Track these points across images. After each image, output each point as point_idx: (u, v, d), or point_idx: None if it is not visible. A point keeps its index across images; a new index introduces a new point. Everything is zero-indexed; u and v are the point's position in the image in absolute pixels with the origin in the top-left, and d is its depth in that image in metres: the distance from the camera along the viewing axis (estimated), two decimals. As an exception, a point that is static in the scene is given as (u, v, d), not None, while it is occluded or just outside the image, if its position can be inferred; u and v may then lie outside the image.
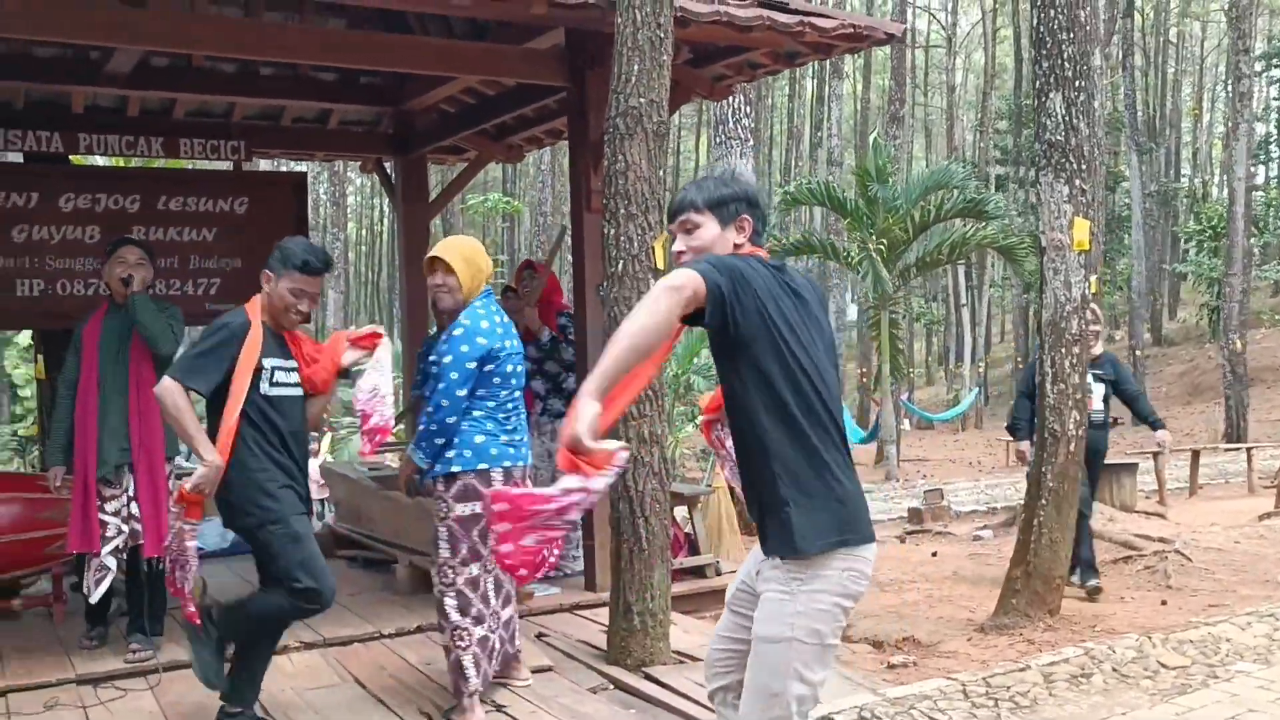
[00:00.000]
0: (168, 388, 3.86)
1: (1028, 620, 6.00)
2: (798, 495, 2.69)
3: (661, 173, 4.93)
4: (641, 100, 4.82)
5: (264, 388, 4.00)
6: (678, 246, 2.91)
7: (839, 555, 2.68)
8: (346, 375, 4.22)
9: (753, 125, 9.97)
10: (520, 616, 5.46)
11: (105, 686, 4.83)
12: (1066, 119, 6.10)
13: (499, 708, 4.48)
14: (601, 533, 6.12)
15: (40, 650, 5.24)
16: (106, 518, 5.07)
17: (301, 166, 13.16)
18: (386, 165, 8.75)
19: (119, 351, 5.16)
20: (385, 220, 39.13)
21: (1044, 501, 6.12)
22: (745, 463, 2.81)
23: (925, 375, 42.58)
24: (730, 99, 9.34)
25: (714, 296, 2.57)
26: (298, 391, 4.14)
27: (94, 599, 5.11)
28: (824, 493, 2.69)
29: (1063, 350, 6.12)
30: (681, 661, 4.94)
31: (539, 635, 5.44)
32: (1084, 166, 6.15)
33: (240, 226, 7.62)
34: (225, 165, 7.94)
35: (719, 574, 6.53)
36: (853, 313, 30.81)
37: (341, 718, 4.29)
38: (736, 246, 2.85)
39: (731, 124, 9.46)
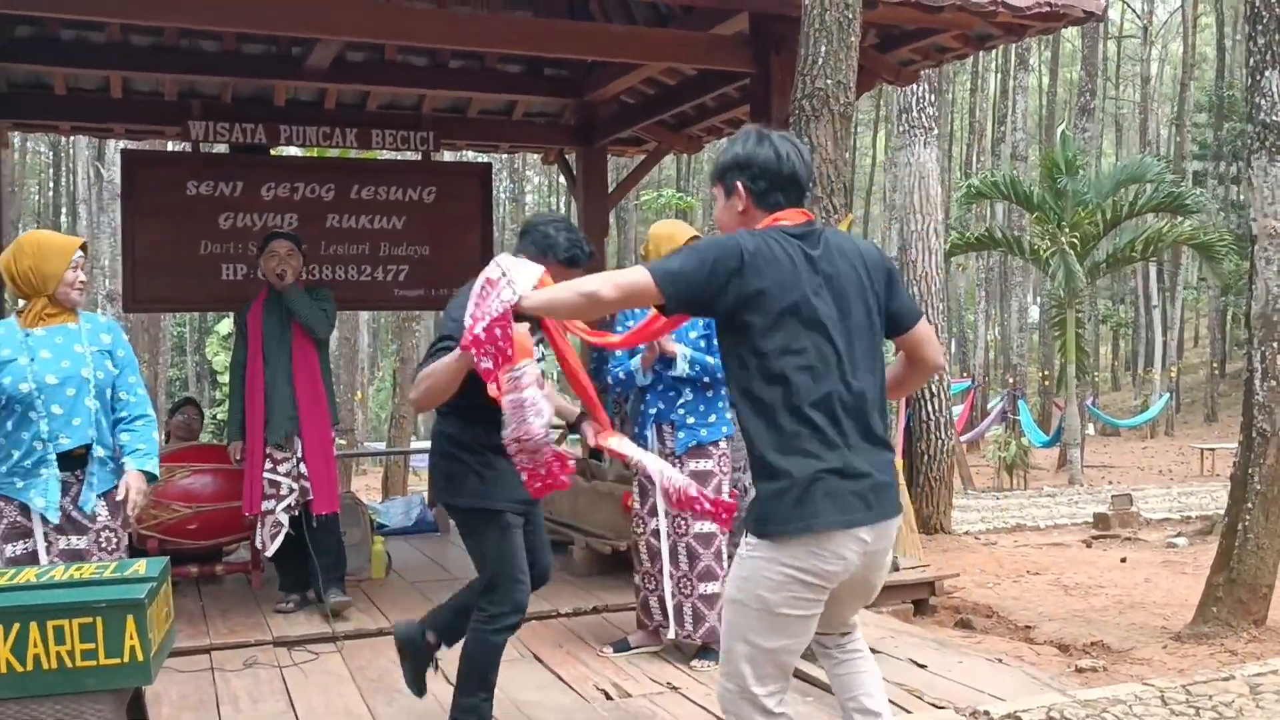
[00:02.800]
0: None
1: (1229, 630, 5.66)
2: (761, 472, 2.71)
3: (847, 155, 4.84)
4: (828, 82, 4.75)
5: None
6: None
7: (803, 536, 2.66)
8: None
9: (936, 114, 9.72)
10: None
11: (299, 649, 5.05)
12: (1285, 98, 5.73)
13: (674, 689, 4.48)
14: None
15: (240, 612, 5.54)
16: (279, 478, 5.48)
17: (482, 159, 13.51)
18: (568, 157, 8.89)
19: (281, 333, 5.54)
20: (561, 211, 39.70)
21: (1250, 505, 5.76)
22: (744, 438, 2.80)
23: (1111, 380, 40.80)
24: (914, 87, 9.14)
25: (670, 296, 2.67)
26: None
27: (269, 552, 5.51)
28: (792, 474, 2.64)
29: (1274, 345, 5.74)
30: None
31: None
32: (1302, 149, 5.76)
33: (428, 215, 7.85)
34: (414, 156, 8.17)
35: (896, 569, 6.38)
36: (1034, 314, 29.75)
37: (523, 692, 4.35)
38: (741, 213, 2.81)
39: (915, 113, 9.23)
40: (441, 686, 4.12)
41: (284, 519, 5.45)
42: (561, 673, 4.70)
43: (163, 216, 7.24)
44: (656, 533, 4.84)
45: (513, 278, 2.84)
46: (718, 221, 2.96)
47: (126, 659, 3.10)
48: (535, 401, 2.92)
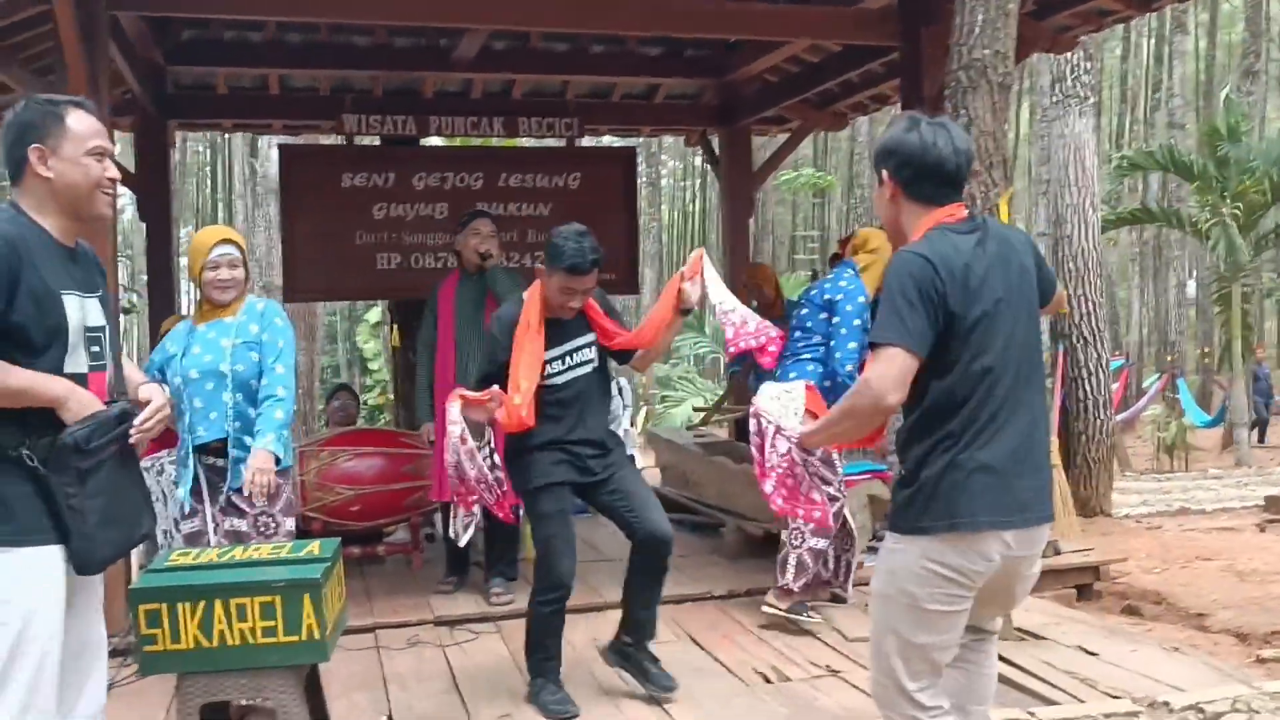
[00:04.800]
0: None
1: None
2: (911, 467, 2.71)
3: (1006, 127, 4.69)
4: (986, 52, 4.59)
5: (547, 379, 4.08)
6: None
7: (944, 535, 2.64)
8: (688, 313, 4.22)
9: (1092, 83, 9.33)
10: (857, 585, 5.41)
11: (460, 629, 5.16)
12: None
13: (834, 673, 4.42)
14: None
15: (402, 592, 5.68)
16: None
17: (623, 143, 13.56)
18: (710, 138, 8.84)
19: (474, 315, 5.49)
20: (696, 202, 39.65)
21: None
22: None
23: (1277, 358, 38.78)
24: (1068, 55, 8.79)
25: (921, 351, 2.61)
26: (589, 369, 4.19)
27: (462, 542, 5.40)
28: (940, 470, 2.64)
29: None
30: (1023, 639, 4.71)
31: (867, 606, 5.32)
32: None
33: (574, 201, 7.91)
34: (558, 143, 8.23)
35: (1057, 553, 6.17)
36: (1192, 289, 28.44)
37: (680, 675, 4.33)
38: (890, 200, 2.79)
39: (1069, 81, 8.86)
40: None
41: (478, 510, 5.44)
42: (719, 655, 4.68)
43: (319, 209, 7.47)
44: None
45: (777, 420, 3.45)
46: (875, 207, 2.95)
47: (304, 636, 3.20)
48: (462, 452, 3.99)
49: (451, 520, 5.48)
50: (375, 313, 26.86)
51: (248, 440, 3.92)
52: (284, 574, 3.22)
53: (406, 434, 6.26)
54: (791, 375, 5.02)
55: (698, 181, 38.09)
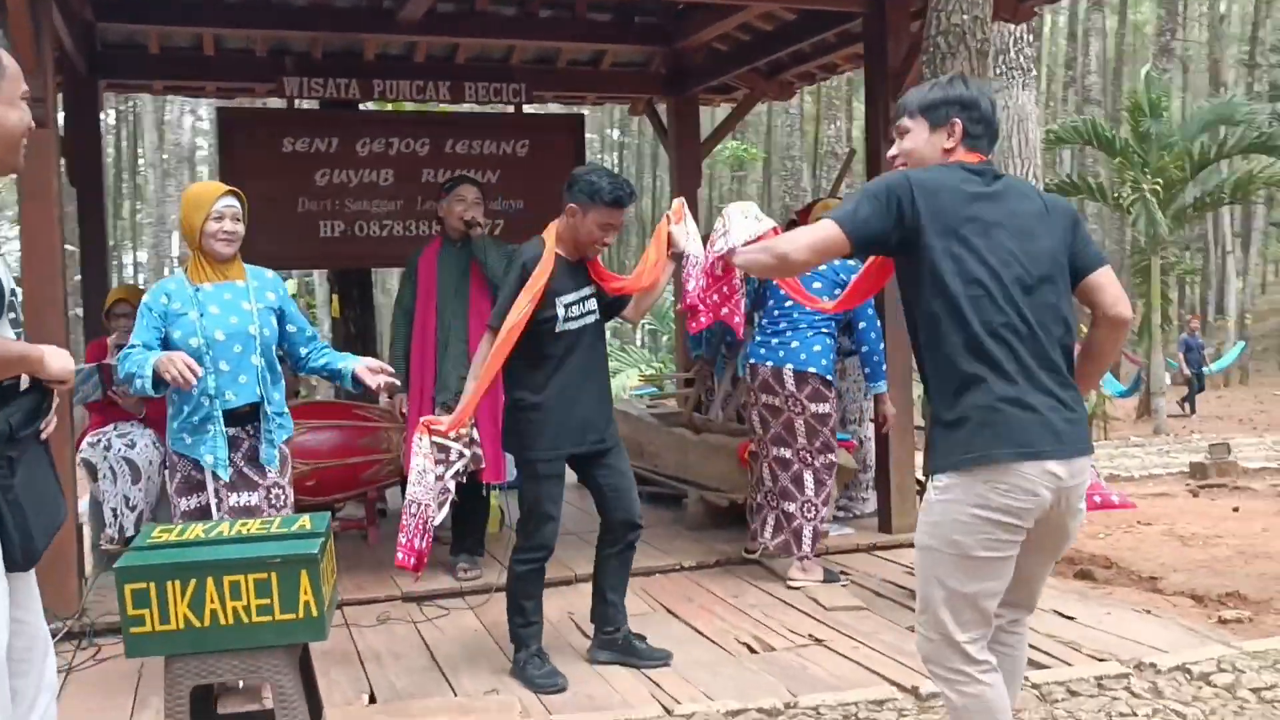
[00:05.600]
0: (485, 338, 4.05)
1: (1373, 579, 5.49)
2: (940, 410, 2.74)
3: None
4: (965, 17, 4.58)
5: (559, 325, 3.99)
6: (890, 152, 3.00)
7: (980, 469, 2.65)
8: (680, 258, 4.16)
9: (1034, 55, 9.43)
10: (817, 556, 5.41)
11: (429, 604, 5.03)
12: None
13: (817, 641, 4.41)
14: (898, 474, 5.96)
15: (362, 568, 5.52)
16: (448, 442, 5.24)
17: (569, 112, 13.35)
18: (658, 107, 8.74)
19: (457, 285, 5.33)
20: (624, 171, 39.39)
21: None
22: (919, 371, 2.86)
23: (1178, 329, 40.00)
24: (1010, 28, 8.87)
25: (859, 242, 2.75)
26: (593, 319, 4.13)
27: (437, 521, 5.28)
28: (967, 413, 2.67)
29: None
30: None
31: (841, 574, 5.33)
32: None
33: (522, 169, 7.76)
34: (505, 109, 8.06)
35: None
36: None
37: (663, 645, 4.29)
38: (946, 150, 2.85)
39: (1013, 54, 8.95)
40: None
41: (452, 486, 5.28)
42: (699, 626, 4.64)
43: (259, 175, 7.15)
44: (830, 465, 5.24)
45: (729, 228, 2.97)
46: (908, 154, 2.96)
47: (301, 614, 3.07)
48: (436, 478, 4.03)
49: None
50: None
51: (269, 408, 3.80)
52: (280, 549, 3.08)
53: (362, 406, 6.09)
54: (815, 349, 5.15)
55: (628, 152, 37.91)
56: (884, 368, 5.33)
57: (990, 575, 2.72)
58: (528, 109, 8.33)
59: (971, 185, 2.77)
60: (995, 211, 2.75)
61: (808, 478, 5.19)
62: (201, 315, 3.75)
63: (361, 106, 8.21)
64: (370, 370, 3.91)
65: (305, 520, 3.27)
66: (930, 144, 2.89)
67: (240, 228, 3.84)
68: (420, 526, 3.94)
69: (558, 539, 4.14)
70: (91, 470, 5.32)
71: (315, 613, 3.08)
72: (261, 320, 3.82)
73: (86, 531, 5.16)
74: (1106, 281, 2.87)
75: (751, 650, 4.34)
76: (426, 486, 3.94)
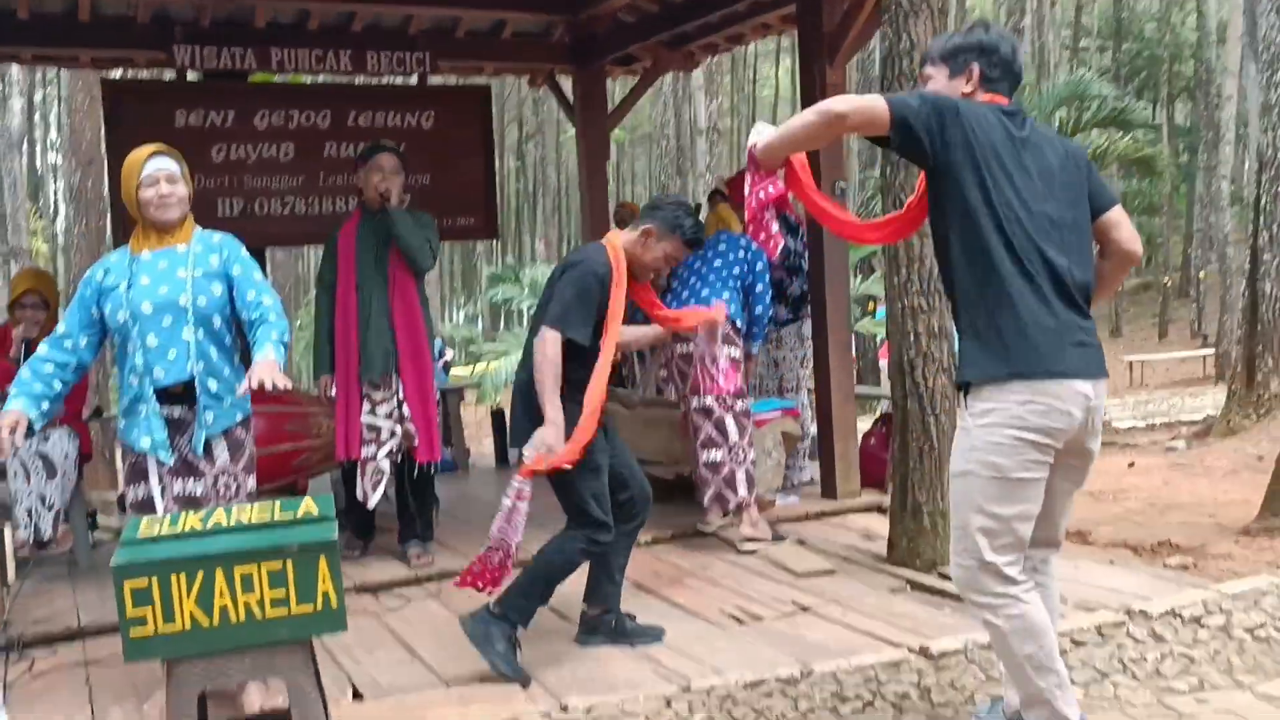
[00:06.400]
0: (550, 338, 3.72)
1: (1298, 521, 5.74)
2: (971, 326, 2.84)
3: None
4: (926, -26, 4.55)
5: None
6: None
7: (1013, 387, 2.78)
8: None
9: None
10: (770, 524, 5.38)
11: (385, 594, 4.78)
12: None
13: (804, 609, 4.35)
14: (841, 441, 5.96)
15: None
16: (379, 421, 5.01)
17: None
18: (560, 80, 8.54)
19: (377, 258, 5.06)
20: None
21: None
22: (945, 293, 2.99)
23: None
24: None
25: (900, 124, 2.78)
26: None
27: (371, 504, 5.05)
28: (1001, 325, 2.78)
29: None
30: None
31: (800, 542, 5.29)
32: None
33: (428, 142, 7.48)
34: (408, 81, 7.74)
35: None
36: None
37: (649, 620, 4.17)
38: (965, 95, 2.96)
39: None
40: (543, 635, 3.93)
41: (386, 466, 5.02)
42: (678, 600, 4.53)
43: (151, 150, 6.72)
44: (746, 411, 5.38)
45: (755, 132, 3.10)
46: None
47: (319, 606, 2.83)
48: (523, 515, 3.70)
49: (360, 480, 5.11)
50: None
51: (213, 385, 3.45)
52: (297, 536, 2.83)
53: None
54: (725, 296, 5.42)
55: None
56: (763, 333, 5.67)
57: (1026, 497, 2.83)
58: (432, 80, 8.04)
59: (1009, 125, 2.89)
60: (1028, 153, 2.89)
61: (729, 422, 5.26)
62: (130, 287, 3.42)
63: (251, 79, 7.77)
64: (250, 375, 3.28)
65: (310, 504, 3.01)
66: (950, 88, 3.00)
67: (179, 188, 3.52)
68: (503, 560, 3.77)
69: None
70: (-1, 469, 4.87)
71: (335, 604, 2.84)
72: (196, 289, 3.44)
73: (7, 534, 4.72)
74: (1121, 219, 3.09)
75: (739, 621, 4.25)
76: (516, 526, 3.71)
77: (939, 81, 3.03)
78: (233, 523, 2.91)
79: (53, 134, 33.40)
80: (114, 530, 5.79)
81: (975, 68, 2.98)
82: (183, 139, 6.74)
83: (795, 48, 7.00)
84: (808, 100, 5.95)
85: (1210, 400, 13.72)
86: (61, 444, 4.93)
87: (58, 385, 3.42)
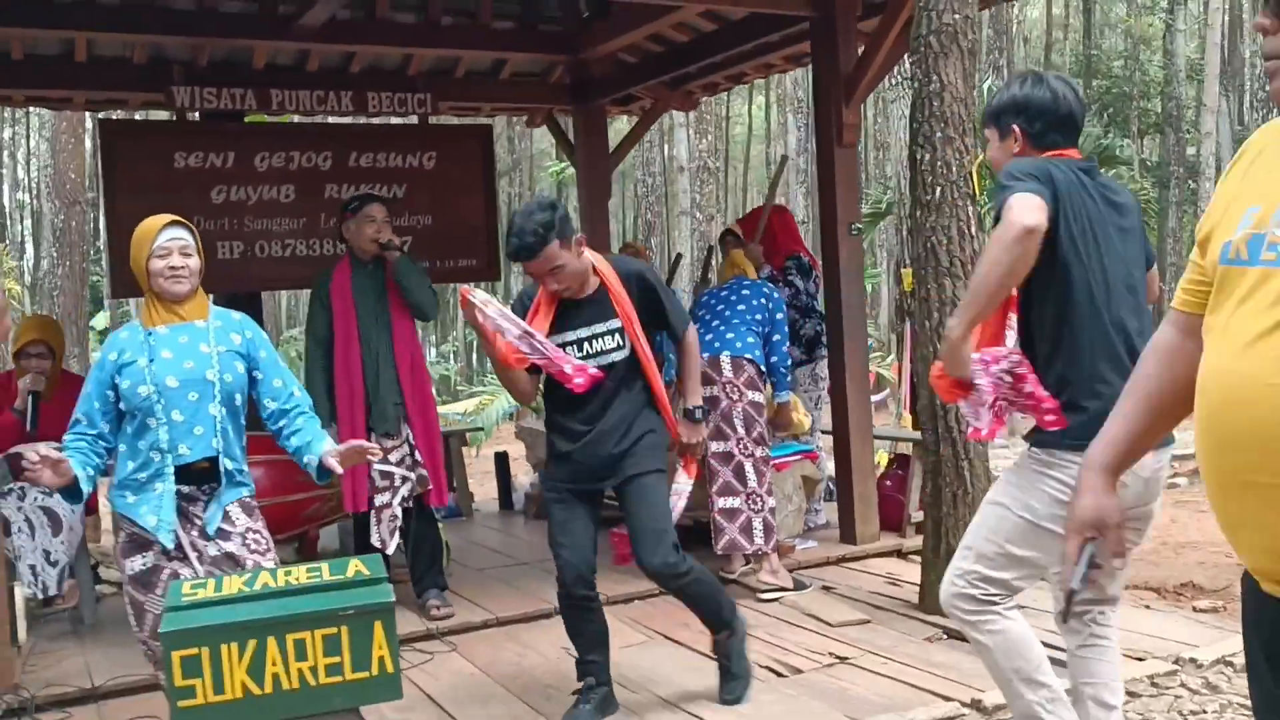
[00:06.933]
0: (694, 338, 3.90)
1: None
2: (1054, 385, 2.75)
3: (975, 93, 4.65)
4: (956, 17, 4.53)
5: None
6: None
7: (1079, 457, 2.62)
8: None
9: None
10: (790, 570, 5.30)
11: (405, 649, 4.63)
12: None
13: (841, 659, 4.24)
14: (860, 482, 5.88)
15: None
16: (391, 469, 4.91)
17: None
18: (560, 119, 8.48)
19: (377, 307, 4.97)
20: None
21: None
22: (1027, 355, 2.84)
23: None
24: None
25: (1046, 202, 2.64)
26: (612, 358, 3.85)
27: (390, 550, 4.91)
28: (1081, 394, 2.72)
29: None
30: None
31: (825, 588, 5.20)
32: None
33: (430, 182, 7.40)
34: (409, 120, 7.67)
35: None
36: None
37: (679, 675, 4.08)
38: (1017, 154, 2.88)
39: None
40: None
41: (399, 513, 4.94)
42: (708, 652, 4.40)
43: (150, 193, 6.52)
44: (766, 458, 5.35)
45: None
46: (994, 164, 3.01)
47: (375, 671, 2.71)
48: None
49: (375, 528, 4.98)
50: (102, 318, 24.48)
51: (228, 464, 3.31)
52: (352, 599, 2.71)
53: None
54: (749, 339, 5.34)
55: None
56: (787, 380, 5.48)
57: (1043, 549, 2.78)
58: (433, 120, 7.97)
59: (1087, 183, 2.81)
60: (1105, 212, 2.82)
61: (749, 469, 5.21)
62: (151, 361, 3.26)
63: (247, 120, 7.68)
64: (339, 456, 3.35)
65: (359, 564, 2.89)
66: (1003, 150, 2.95)
67: (192, 261, 3.33)
68: (545, 353, 3.57)
69: (577, 571, 3.78)
70: (3, 524, 4.69)
71: (390, 669, 2.73)
72: (222, 365, 3.30)
73: (19, 593, 4.53)
74: (1152, 278, 3.08)
75: (778, 674, 4.14)
76: (512, 322, 3.55)
77: (993, 145, 2.99)
78: (281, 584, 2.79)
79: (20, 172, 33.00)
80: (116, 584, 5.61)
81: (1016, 129, 2.90)
82: (181, 180, 6.70)
83: (766, 86, 6.93)
84: (823, 139, 5.90)
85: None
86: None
87: (97, 460, 3.28)
